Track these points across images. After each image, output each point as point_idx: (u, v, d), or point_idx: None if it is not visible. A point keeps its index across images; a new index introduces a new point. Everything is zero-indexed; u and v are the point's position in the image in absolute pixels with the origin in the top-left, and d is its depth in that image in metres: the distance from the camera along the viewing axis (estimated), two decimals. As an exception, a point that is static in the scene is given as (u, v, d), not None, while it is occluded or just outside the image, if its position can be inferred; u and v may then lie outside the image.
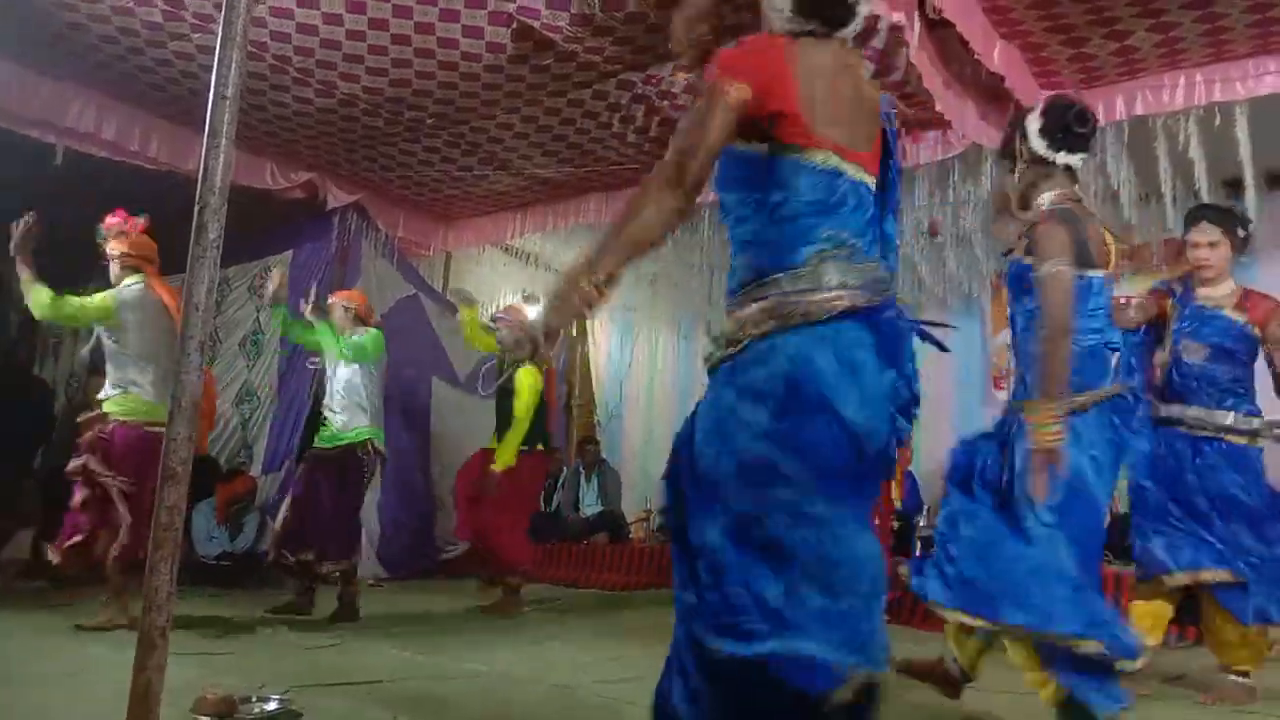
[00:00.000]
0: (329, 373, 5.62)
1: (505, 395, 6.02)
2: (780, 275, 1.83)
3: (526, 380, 5.90)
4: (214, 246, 2.11)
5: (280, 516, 5.47)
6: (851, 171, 1.87)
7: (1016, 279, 3.01)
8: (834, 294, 1.79)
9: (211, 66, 2.19)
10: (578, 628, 5.52)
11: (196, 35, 5.18)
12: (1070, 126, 3.01)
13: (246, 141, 6.43)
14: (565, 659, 4.43)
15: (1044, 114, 3.06)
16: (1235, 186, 5.12)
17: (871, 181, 1.94)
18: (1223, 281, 4.03)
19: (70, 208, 5.09)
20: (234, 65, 2.16)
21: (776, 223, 1.86)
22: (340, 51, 5.32)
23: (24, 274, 4.51)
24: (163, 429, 2.17)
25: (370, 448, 5.51)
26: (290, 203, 7.30)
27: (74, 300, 4.64)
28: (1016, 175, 3.14)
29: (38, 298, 4.54)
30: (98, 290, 4.79)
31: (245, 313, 7.75)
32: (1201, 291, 4.04)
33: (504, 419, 6.00)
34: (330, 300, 5.80)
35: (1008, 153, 3.19)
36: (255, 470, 7.27)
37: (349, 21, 5.00)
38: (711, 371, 1.93)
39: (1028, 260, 2.91)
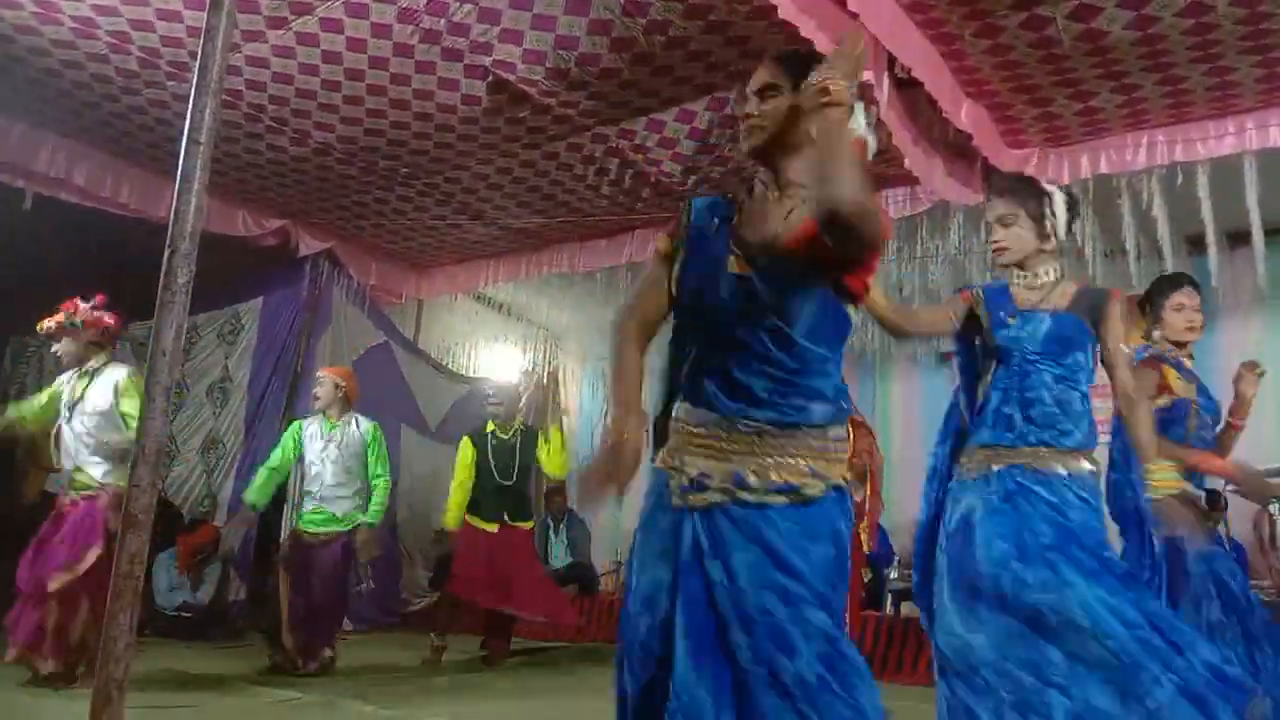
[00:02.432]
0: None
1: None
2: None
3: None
4: (183, 291, 2.10)
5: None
6: None
7: None
8: None
9: (185, 113, 2.19)
10: (546, 681, 5.43)
11: (171, 83, 5.19)
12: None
13: (219, 189, 6.42)
14: (533, 713, 4.35)
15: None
16: (1197, 244, 5.20)
17: None
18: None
19: (39, 252, 5.04)
20: (208, 112, 2.17)
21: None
22: (315, 101, 5.35)
23: None
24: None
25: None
26: (262, 250, 7.27)
27: None
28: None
29: None
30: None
31: (213, 360, 7.66)
32: (1189, 363, 3.61)
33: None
34: (320, 375, 5.69)
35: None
36: (219, 520, 7.14)
37: (325, 71, 5.03)
38: None
39: None
